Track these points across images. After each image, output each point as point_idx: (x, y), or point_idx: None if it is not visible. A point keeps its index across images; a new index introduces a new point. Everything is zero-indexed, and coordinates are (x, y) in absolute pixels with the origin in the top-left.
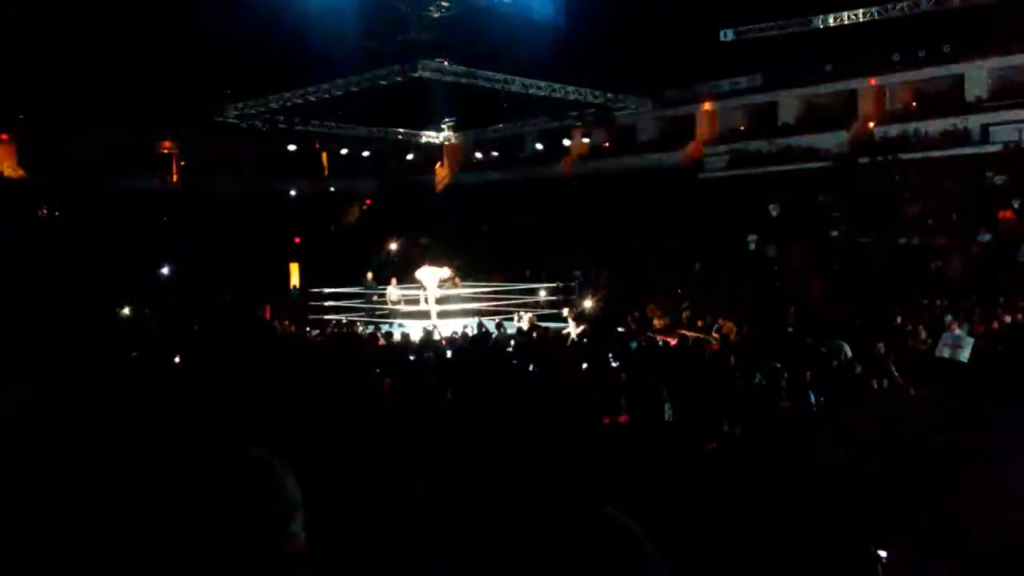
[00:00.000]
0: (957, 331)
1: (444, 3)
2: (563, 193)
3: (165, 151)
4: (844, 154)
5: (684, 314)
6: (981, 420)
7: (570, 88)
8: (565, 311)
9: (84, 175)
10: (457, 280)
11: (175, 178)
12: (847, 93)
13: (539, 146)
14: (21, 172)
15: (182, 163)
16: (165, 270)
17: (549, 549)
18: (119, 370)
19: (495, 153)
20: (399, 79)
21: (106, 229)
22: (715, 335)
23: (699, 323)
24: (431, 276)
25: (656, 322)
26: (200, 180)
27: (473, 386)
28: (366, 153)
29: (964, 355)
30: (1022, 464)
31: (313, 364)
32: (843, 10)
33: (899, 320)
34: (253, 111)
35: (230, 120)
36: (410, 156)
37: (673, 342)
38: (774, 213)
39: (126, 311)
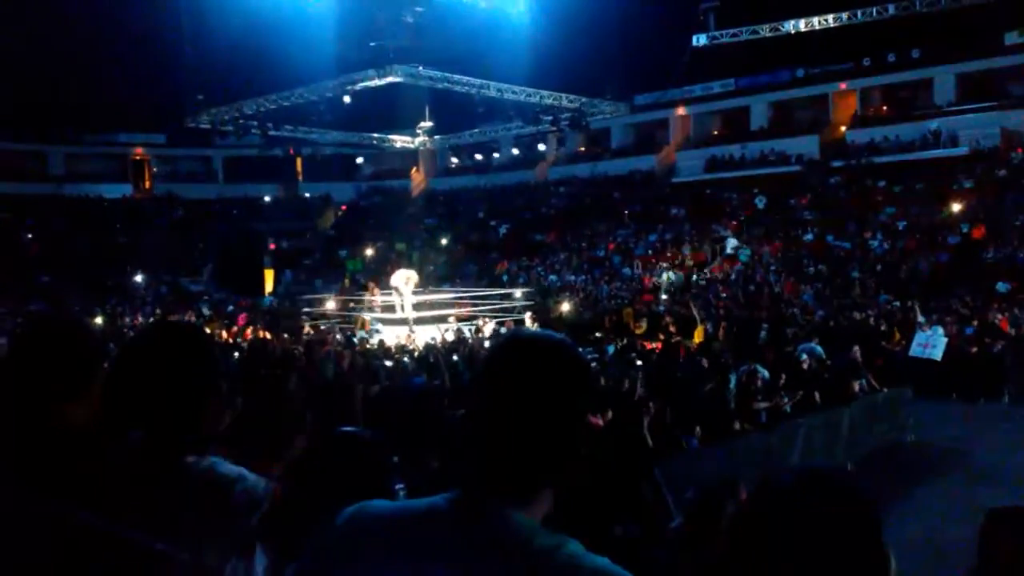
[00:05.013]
0: (929, 331)
1: (418, 8)
2: (538, 198)
3: (137, 158)
4: (816, 158)
5: (664, 318)
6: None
7: (545, 93)
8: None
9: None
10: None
11: (147, 185)
12: (819, 98)
13: (514, 151)
14: None
15: (154, 170)
16: (139, 278)
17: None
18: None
19: (474, 157)
20: (373, 84)
21: (78, 237)
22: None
23: (671, 328)
24: (404, 280)
25: (639, 327)
26: (173, 187)
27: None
28: (341, 158)
29: (937, 353)
30: None
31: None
32: (813, 15)
33: (872, 322)
34: (226, 117)
35: (203, 126)
36: (385, 162)
37: (650, 346)
38: (750, 212)
39: (98, 320)
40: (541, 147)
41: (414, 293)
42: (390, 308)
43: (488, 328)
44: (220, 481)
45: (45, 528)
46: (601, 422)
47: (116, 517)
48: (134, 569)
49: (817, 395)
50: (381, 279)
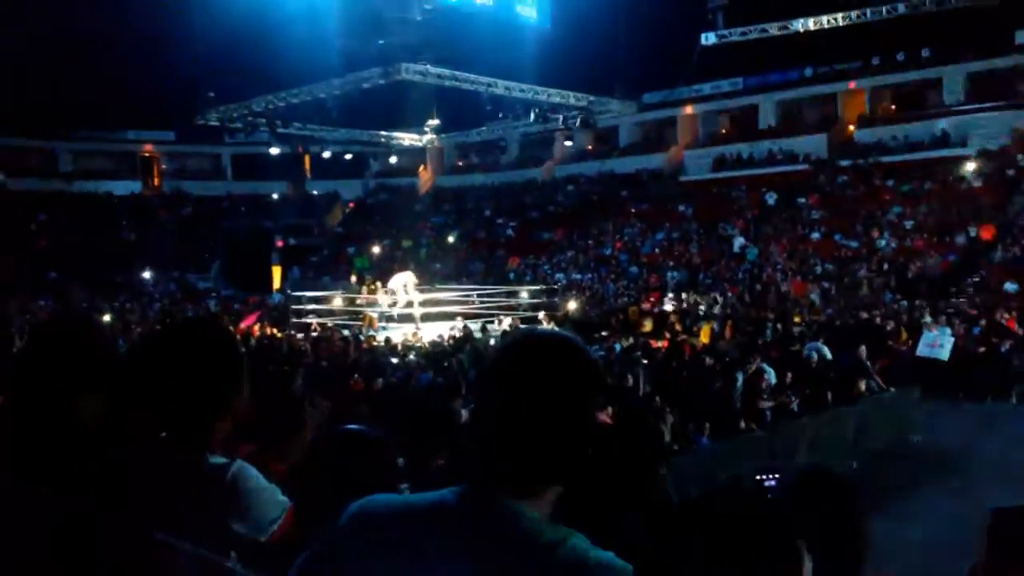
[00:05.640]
0: (936, 330)
1: (426, 6)
2: (545, 196)
3: (146, 155)
4: (824, 157)
5: (670, 317)
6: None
7: (552, 91)
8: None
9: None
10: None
11: (157, 182)
12: (827, 97)
13: (522, 149)
14: None
15: (163, 167)
16: (147, 275)
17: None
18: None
19: (482, 155)
20: (381, 82)
21: (86, 234)
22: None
23: (677, 327)
24: (402, 284)
25: (645, 325)
26: (182, 184)
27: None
28: (348, 156)
29: (944, 353)
30: None
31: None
32: (822, 14)
33: (879, 321)
34: (235, 114)
35: (212, 123)
36: (393, 159)
37: (656, 345)
38: (758, 210)
39: (107, 316)
40: (548, 145)
41: (418, 290)
42: (394, 306)
43: (503, 326)
44: (241, 484)
45: (46, 519)
46: (608, 419)
47: (120, 510)
48: (134, 557)
49: (825, 395)
50: (386, 278)
